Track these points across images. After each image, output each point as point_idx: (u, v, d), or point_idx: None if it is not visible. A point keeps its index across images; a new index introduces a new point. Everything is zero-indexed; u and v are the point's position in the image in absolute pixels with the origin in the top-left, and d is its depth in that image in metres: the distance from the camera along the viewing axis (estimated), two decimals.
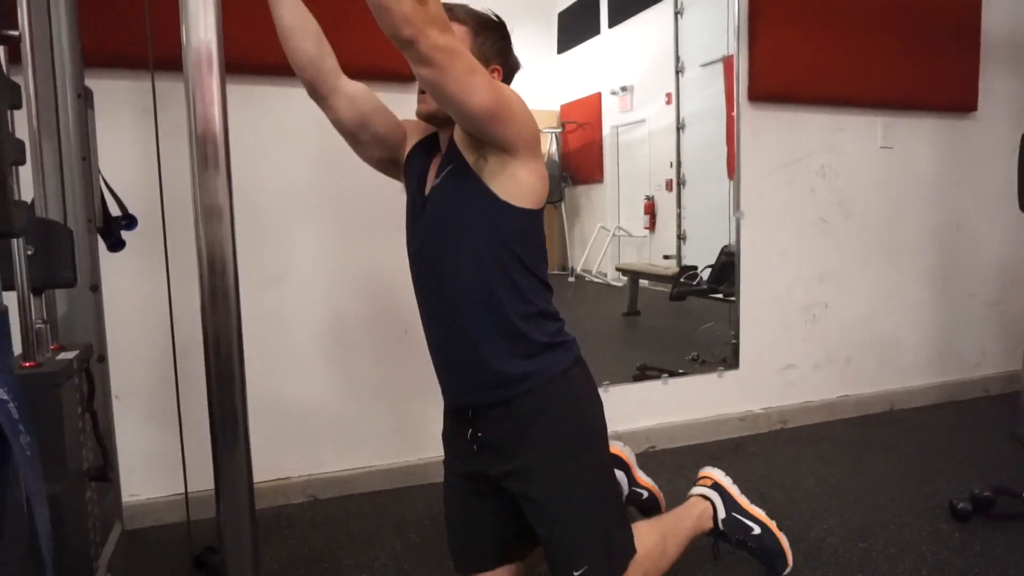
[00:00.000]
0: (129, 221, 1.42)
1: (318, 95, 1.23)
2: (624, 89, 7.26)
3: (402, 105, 1.82)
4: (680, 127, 3.42)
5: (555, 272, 7.28)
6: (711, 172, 3.00)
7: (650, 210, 6.44)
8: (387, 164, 1.32)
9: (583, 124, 7.83)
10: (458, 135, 1.16)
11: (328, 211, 1.90)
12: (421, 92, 1.18)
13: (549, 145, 8.01)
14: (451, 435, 1.29)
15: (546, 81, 8.87)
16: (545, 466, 1.15)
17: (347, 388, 1.95)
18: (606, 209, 7.55)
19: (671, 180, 5.04)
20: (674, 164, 4.70)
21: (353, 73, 1.41)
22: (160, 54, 1.36)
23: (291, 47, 1.19)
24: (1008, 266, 2.77)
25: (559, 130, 7.93)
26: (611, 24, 7.24)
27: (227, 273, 1.15)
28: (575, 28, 7.78)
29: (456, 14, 1.15)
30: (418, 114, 1.20)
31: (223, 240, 1.13)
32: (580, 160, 8.03)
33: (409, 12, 0.90)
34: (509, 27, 1.24)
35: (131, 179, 1.63)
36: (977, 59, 2.60)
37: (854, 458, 2.15)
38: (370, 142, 1.28)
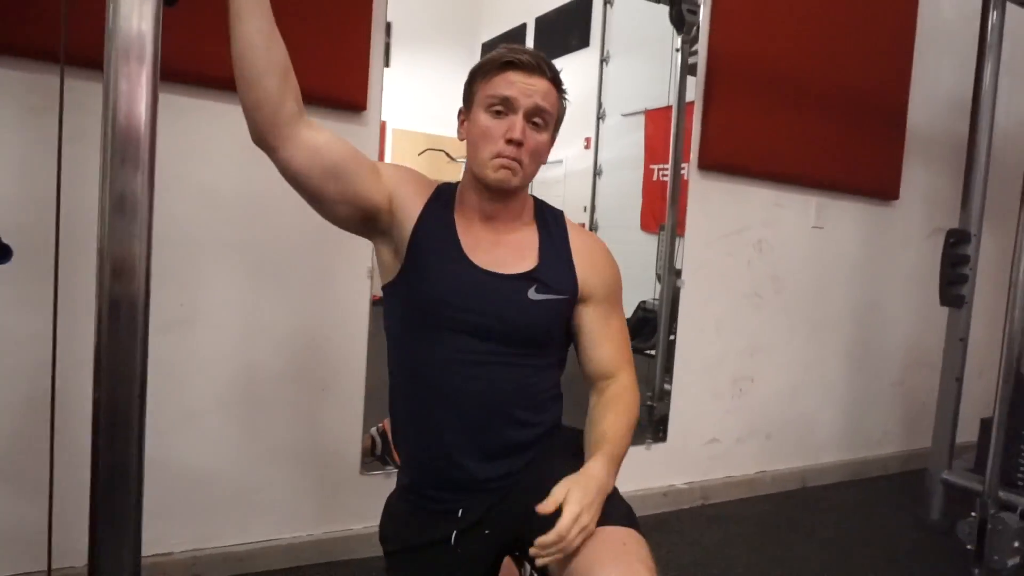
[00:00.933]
0: (2, 253, 1.12)
1: (268, 144, 0.93)
2: None
3: (346, 136, 1.64)
4: (597, 173, 3.36)
5: None
6: (625, 221, 2.99)
7: None
8: (357, 223, 1.06)
9: None
10: (589, 263, 1.12)
11: (245, 250, 1.64)
12: (508, 158, 1.02)
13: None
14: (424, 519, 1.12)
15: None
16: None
17: (250, 450, 1.69)
18: None
19: (584, 225, 5.05)
20: (588, 209, 4.69)
21: (310, 100, 1.22)
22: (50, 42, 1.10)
23: (248, 78, 0.89)
24: (913, 348, 2.89)
25: None
26: None
27: (136, 310, 0.92)
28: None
29: None
30: (502, 182, 1.03)
31: (134, 270, 0.91)
32: None
33: None
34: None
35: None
36: (902, 151, 2.72)
37: (779, 542, 2.12)
38: (336, 200, 1.01)
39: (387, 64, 1.83)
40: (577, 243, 1.13)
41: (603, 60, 3.24)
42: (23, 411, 1.44)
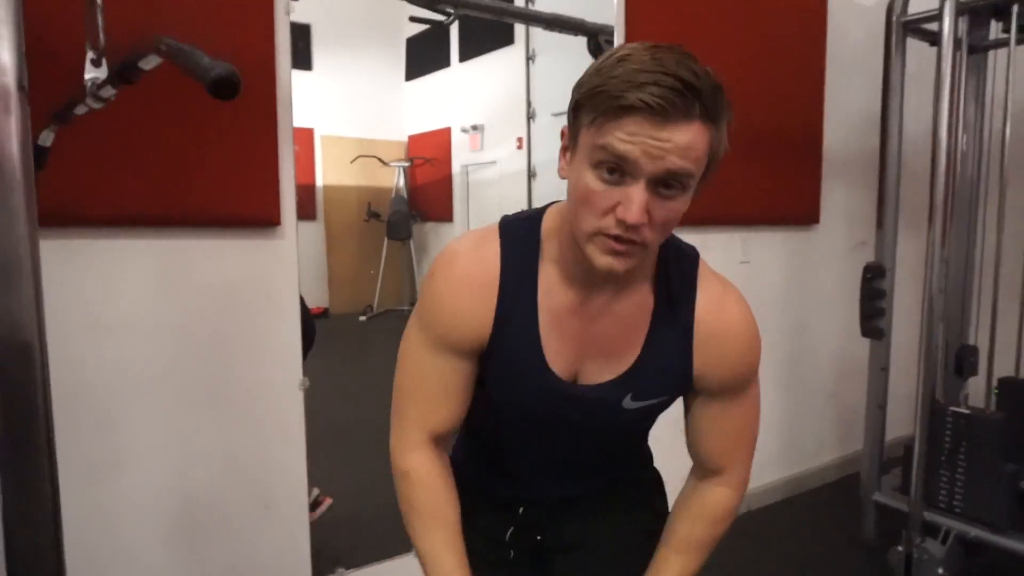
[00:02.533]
0: None
1: None
2: (475, 128, 7.18)
3: (259, 252, 1.59)
4: (531, 174, 3.32)
5: (404, 308, 7.12)
6: None
7: None
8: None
9: (431, 160, 7.63)
10: (715, 355, 0.86)
11: (171, 381, 1.61)
12: (618, 242, 0.74)
13: (397, 179, 7.73)
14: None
15: (393, 108, 8.56)
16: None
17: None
18: None
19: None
20: None
21: (209, 220, 1.37)
22: None
23: None
24: (843, 359, 3.01)
25: (407, 164, 7.66)
26: (462, 58, 7.10)
27: (39, 459, 0.85)
28: (424, 57, 7.56)
29: None
30: (611, 270, 0.76)
31: (34, 421, 0.83)
32: (429, 197, 7.86)
33: None
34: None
35: None
36: (819, 175, 2.80)
37: None
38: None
39: (309, 67, 1.78)
40: (704, 329, 0.85)
41: (529, 58, 3.21)
42: None
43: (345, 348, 5.81)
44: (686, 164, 0.70)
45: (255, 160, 1.63)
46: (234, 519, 1.70)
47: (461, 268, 0.84)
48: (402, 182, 6.99)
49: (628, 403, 0.86)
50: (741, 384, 0.89)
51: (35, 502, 0.87)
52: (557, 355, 0.85)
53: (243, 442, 1.70)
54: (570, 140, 0.77)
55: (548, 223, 0.86)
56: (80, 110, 0.90)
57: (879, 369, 2.39)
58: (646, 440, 1.10)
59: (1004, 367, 2.49)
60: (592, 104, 0.70)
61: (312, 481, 1.80)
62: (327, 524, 1.95)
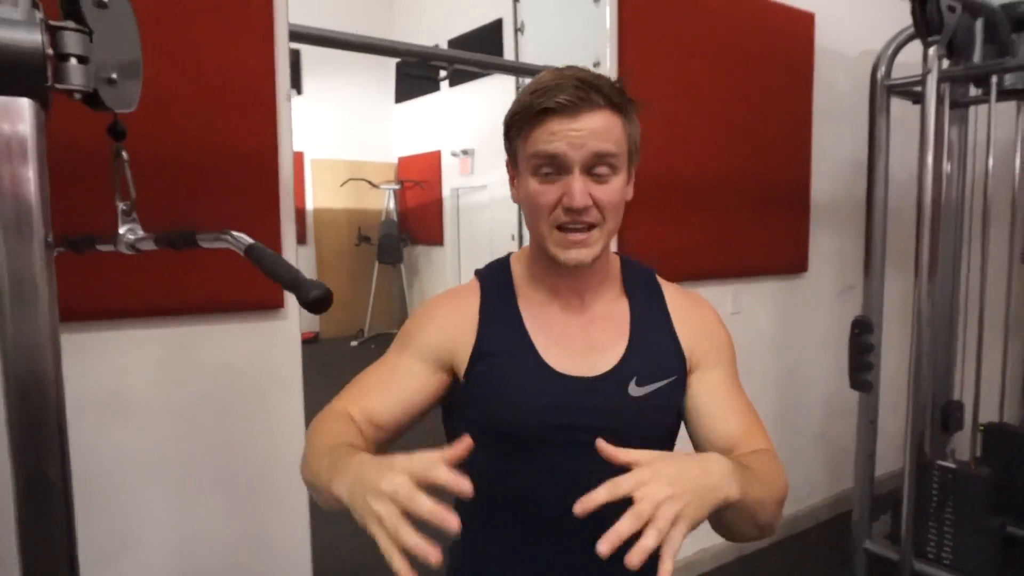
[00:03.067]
0: None
1: None
2: (465, 152, 7.21)
3: (263, 333, 1.61)
4: None
5: (395, 331, 7.17)
6: None
7: None
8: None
9: (422, 183, 7.65)
10: (696, 325, 0.91)
11: (175, 464, 1.63)
12: (575, 231, 0.82)
13: (387, 202, 7.75)
14: None
15: (383, 130, 8.59)
16: None
17: None
18: (446, 273, 7.45)
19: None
20: (516, 237, 4.72)
21: (215, 307, 1.43)
22: None
23: None
24: (831, 399, 3.07)
25: (397, 186, 7.67)
26: (452, 83, 7.13)
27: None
28: (414, 80, 7.56)
29: None
30: (579, 262, 0.83)
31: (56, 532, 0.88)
32: (419, 220, 7.87)
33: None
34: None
35: None
36: (808, 224, 2.85)
37: None
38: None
39: (299, 92, 1.78)
40: (676, 304, 0.94)
41: (519, 86, 3.25)
42: None
43: (336, 374, 5.82)
44: (607, 145, 0.81)
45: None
46: None
47: (443, 293, 0.95)
48: (392, 205, 7.03)
49: (634, 389, 0.86)
50: (728, 359, 0.94)
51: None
52: (549, 351, 0.87)
53: (249, 520, 1.72)
54: (512, 167, 0.88)
55: (514, 258, 0.96)
56: (105, 248, 0.93)
57: (868, 421, 2.45)
58: None
59: (989, 412, 2.56)
60: (518, 124, 0.84)
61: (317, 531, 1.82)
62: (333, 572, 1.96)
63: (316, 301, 0.73)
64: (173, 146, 1.51)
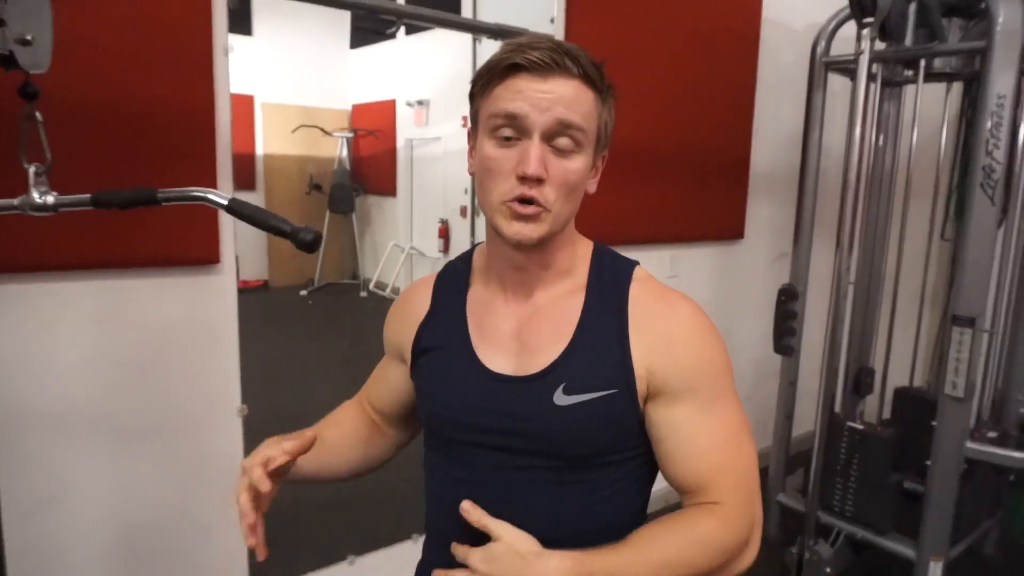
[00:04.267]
0: None
1: None
2: (420, 103, 7.11)
3: (199, 288, 1.65)
4: None
5: (345, 281, 7.10)
6: None
7: (444, 233, 6.46)
8: None
9: (375, 132, 7.52)
10: (657, 342, 0.80)
11: (111, 418, 1.65)
12: (524, 204, 0.75)
13: (340, 150, 7.60)
14: None
15: (337, 76, 8.35)
16: None
17: None
18: (398, 225, 7.41)
19: (465, 207, 5.07)
20: (469, 191, 4.73)
21: (149, 261, 1.44)
22: None
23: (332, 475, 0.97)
24: (761, 364, 3.22)
25: (351, 135, 7.52)
26: (408, 31, 6.97)
27: None
28: (366, 28, 7.33)
29: None
30: (521, 238, 0.76)
31: None
32: (372, 169, 7.77)
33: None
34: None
35: None
36: (746, 193, 2.95)
37: None
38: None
39: (249, 32, 1.76)
40: (641, 311, 0.81)
41: (476, 38, 3.24)
42: None
43: (286, 325, 5.81)
44: (573, 116, 0.73)
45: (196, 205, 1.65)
46: (175, 544, 1.78)
47: (406, 290, 0.97)
48: (345, 153, 6.90)
49: (560, 397, 0.77)
50: (701, 385, 0.79)
51: None
52: (487, 350, 0.83)
53: (184, 470, 1.76)
54: (472, 134, 0.82)
55: (479, 249, 0.92)
56: (8, 213, 0.93)
57: (788, 383, 2.59)
58: (634, 514, 0.86)
59: (902, 378, 2.74)
60: (484, 80, 0.76)
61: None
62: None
63: (311, 243, 0.84)
64: (107, 101, 1.49)
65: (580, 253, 0.86)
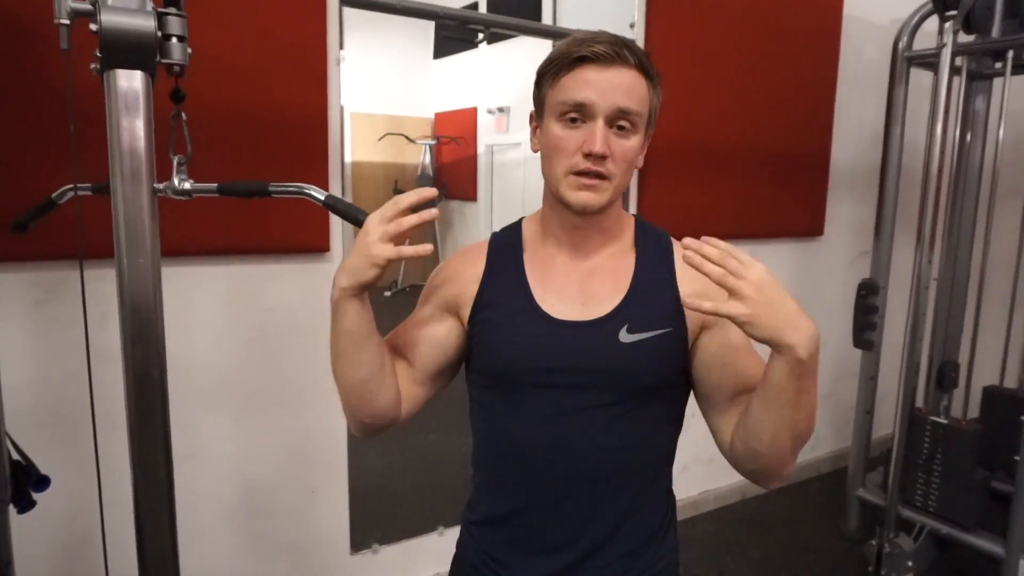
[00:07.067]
0: (40, 481, 1.34)
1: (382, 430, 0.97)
2: (501, 110, 7.29)
3: (314, 275, 1.82)
4: None
5: (423, 283, 7.36)
6: None
7: None
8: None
9: (458, 139, 7.76)
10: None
11: (239, 388, 1.87)
12: (589, 176, 0.86)
13: (423, 157, 7.88)
14: None
15: (421, 86, 8.64)
16: None
17: (255, 551, 1.96)
18: (479, 229, 7.62)
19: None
20: None
21: (269, 249, 1.59)
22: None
23: (360, 409, 0.95)
24: (841, 362, 3.20)
25: (433, 142, 7.79)
26: (490, 40, 7.14)
27: (159, 468, 1.19)
28: (453, 37, 7.60)
29: None
30: (586, 205, 0.88)
31: (155, 433, 1.17)
32: (453, 175, 8.02)
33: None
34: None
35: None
36: (825, 190, 2.96)
37: (714, 566, 2.48)
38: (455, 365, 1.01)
39: (340, 46, 1.92)
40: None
41: (555, 42, 3.37)
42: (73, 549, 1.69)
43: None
44: (631, 103, 0.85)
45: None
46: (287, 501, 1.98)
47: (458, 251, 1.02)
48: (428, 160, 7.17)
49: (625, 336, 0.89)
50: None
51: (154, 473, 1.18)
52: (546, 299, 0.92)
53: (296, 438, 1.96)
54: (536, 116, 0.93)
55: (526, 220, 1.01)
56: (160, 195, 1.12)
57: (868, 378, 2.59)
58: (666, 460, 1.01)
59: (991, 376, 2.69)
60: (552, 70, 0.88)
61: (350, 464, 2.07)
62: (364, 503, 2.22)
63: None
64: (233, 107, 1.70)
65: (625, 221, 0.98)
